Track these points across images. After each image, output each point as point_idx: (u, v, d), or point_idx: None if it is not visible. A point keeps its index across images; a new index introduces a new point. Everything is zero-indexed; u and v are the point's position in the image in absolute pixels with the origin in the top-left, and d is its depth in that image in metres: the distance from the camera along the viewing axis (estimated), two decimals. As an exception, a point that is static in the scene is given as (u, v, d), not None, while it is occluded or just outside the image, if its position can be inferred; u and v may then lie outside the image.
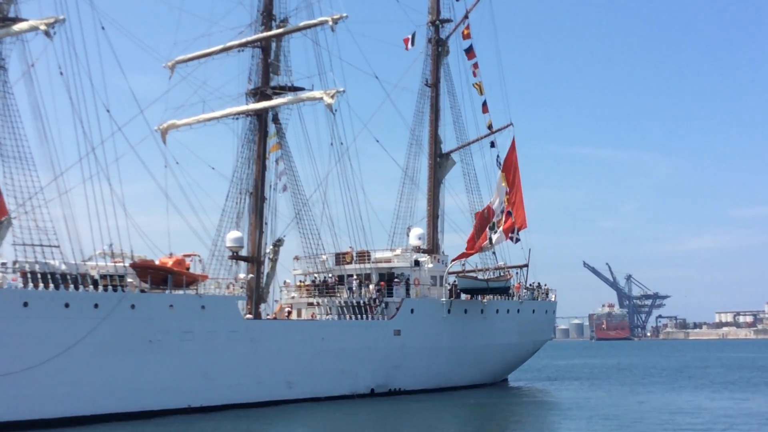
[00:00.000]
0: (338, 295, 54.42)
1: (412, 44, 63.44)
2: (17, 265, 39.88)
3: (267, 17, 54.04)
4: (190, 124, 53.19)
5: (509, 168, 62.38)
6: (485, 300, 61.18)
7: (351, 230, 55.55)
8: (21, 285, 39.24)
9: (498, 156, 63.63)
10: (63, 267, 40.50)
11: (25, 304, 38.38)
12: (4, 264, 40.12)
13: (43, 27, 40.24)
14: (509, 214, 61.00)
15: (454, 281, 60.83)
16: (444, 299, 58.49)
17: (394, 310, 55.37)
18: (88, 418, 39.62)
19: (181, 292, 45.12)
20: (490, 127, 64.73)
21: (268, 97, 53.58)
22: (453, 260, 61.16)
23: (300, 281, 58.03)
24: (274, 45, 54.20)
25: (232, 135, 54.19)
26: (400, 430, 40.25)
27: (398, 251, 59.86)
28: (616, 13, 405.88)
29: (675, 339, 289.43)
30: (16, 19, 41.40)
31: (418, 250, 60.28)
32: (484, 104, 64.95)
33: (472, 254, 60.92)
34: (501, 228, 60.73)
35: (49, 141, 41.57)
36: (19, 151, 41.13)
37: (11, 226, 40.16)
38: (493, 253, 63.40)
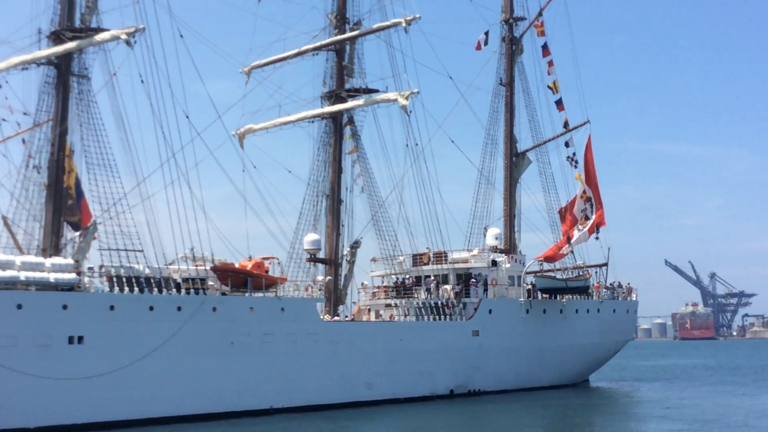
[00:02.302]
0: (416, 296, 54.40)
1: (486, 43, 63.17)
2: (103, 270, 40.90)
3: (340, 20, 54.42)
4: (267, 128, 53.89)
5: (586, 166, 61.67)
6: (564, 300, 60.49)
7: (428, 231, 55.65)
8: (107, 289, 40.18)
9: (574, 154, 62.95)
10: (147, 271, 41.36)
11: (112, 308, 39.33)
12: (90, 268, 41.17)
13: (124, 36, 41.17)
14: (589, 212, 60.28)
15: (532, 281, 60.31)
16: (522, 299, 58.02)
17: (472, 311, 55.12)
18: (172, 419, 40.36)
19: (260, 294, 45.66)
20: (566, 124, 63.99)
21: (343, 100, 53.93)
22: (537, 258, 60.74)
23: (381, 284, 58.18)
24: (348, 48, 54.55)
25: (308, 138, 54.80)
26: (480, 431, 39.98)
27: (475, 251, 59.57)
28: (693, 5, 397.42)
29: (762, 338, 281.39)
30: (99, 30, 42.46)
31: (495, 250, 59.90)
32: (560, 102, 64.22)
33: (555, 260, 60.48)
34: (583, 227, 60.10)
35: (132, 147, 42.61)
36: (104, 158, 42.20)
37: (97, 232, 41.20)
38: (572, 252, 62.69)
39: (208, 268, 44.30)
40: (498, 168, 64.54)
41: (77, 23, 42.80)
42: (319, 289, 50.08)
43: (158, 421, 39.81)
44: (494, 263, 57.97)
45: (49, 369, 36.83)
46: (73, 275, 38.66)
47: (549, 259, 60.62)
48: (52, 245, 41.48)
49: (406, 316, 53.50)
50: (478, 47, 63.10)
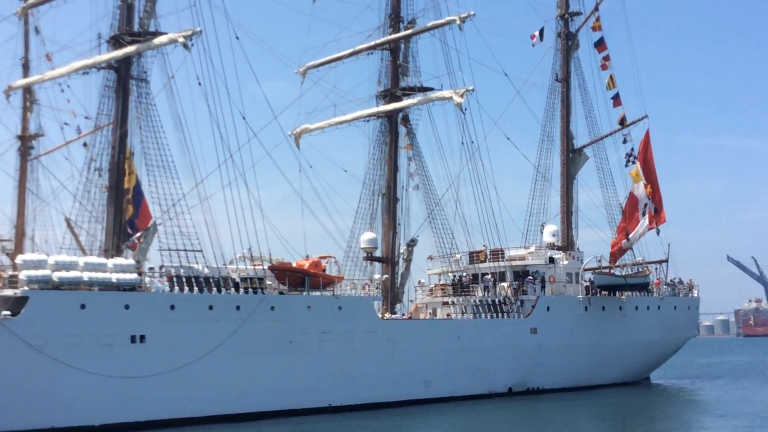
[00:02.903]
0: (473, 293, 54.27)
1: (541, 39, 62.68)
2: (163, 270, 41.52)
3: (395, 19, 54.48)
4: (323, 127, 54.18)
5: (645, 161, 60.96)
6: (624, 297, 59.80)
7: (484, 228, 55.52)
8: (167, 289, 40.79)
9: (632, 149, 62.23)
10: (206, 271, 41.87)
11: (172, 307, 39.90)
12: (151, 268, 41.83)
13: (181, 40, 41.72)
14: (649, 207, 59.64)
15: (591, 278, 59.74)
16: (580, 296, 57.52)
17: (529, 308, 54.80)
18: (232, 417, 40.83)
19: (318, 293, 45.93)
20: (623, 120, 63.25)
21: (398, 99, 54.00)
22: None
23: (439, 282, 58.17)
24: (402, 46, 54.60)
25: (364, 137, 55.00)
26: (540, 429, 39.74)
27: (532, 248, 59.22)
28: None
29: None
30: (157, 33, 43.09)
31: (552, 247, 59.45)
32: (617, 97, 63.48)
33: (616, 257, 60.05)
34: (642, 223, 59.57)
35: (190, 149, 43.17)
36: (163, 159, 42.84)
37: (157, 233, 41.85)
38: (631, 248, 62.00)
39: (266, 267, 44.69)
40: (554, 165, 64.07)
41: (136, 27, 43.49)
42: (376, 288, 50.26)
43: (218, 419, 40.29)
44: (551, 260, 57.57)
45: (113, 368, 37.50)
46: (134, 275, 39.31)
47: (611, 256, 60.22)
48: (114, 246, 42.24)
49: (463, 313, 53.39)
50: (534, 43, 62.69)
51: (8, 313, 35.58)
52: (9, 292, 36.31)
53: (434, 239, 54.58)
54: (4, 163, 43.93)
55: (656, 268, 62.89)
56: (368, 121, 54.51)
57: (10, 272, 37.36)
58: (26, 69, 44.66)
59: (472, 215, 55.28)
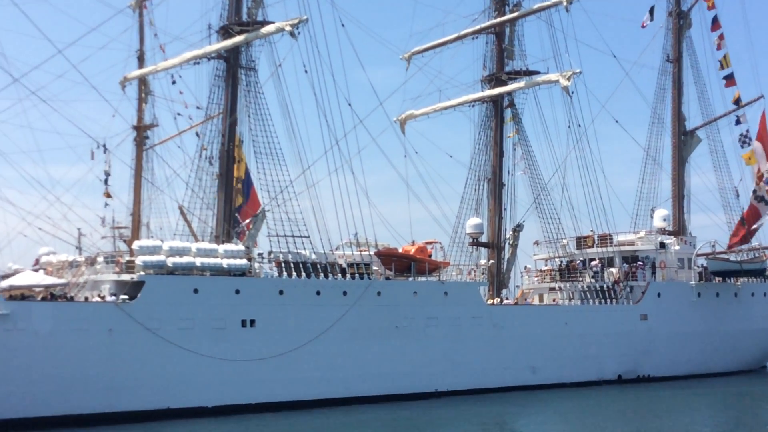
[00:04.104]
0: (580, 279, 53.53)
1: (651, 19, 61.10)
2: (272, 255, 42.31)
3: (500, 2, 54.00)
4: (428, 113, 54.26)
5: (762, 142, 58.94)
6: (739, 283, 58.01)
7: (592, 213, 54.79)
8: (276, 274, 41.56)
9: (747, 131, 60.21)
10: (313, 256, 42.49)
11: (281, 292, 40.65)
12: (260, 254, 42.68)
13: (288, 28, 42.29)
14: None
15: (704, 264, 58.13)
16: (693, 282, 56.04)
17: (639, 294, 53.72)
18: (339, 401, 41.37)
19: (423, 278, 46.07)
20: (737, 101, 61.16)
21: (504, 83, 53.60)
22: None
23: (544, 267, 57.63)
24: (507, 30, 54.11)
25: (469, 122, 54.94)
26: (650, 418, 38.99)
27: (642, 233, 57.97)
28: None
29: None
30: (264, 23, 43.81)
31: (663, 232, 58.09)
32: (731, 77, 61.36)
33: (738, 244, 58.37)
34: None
35: (297, 136, 43.83)
36: (271, 147, 43.63)
37: (266, 219, 42.66)
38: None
39: (372, 253, 45.05)
40: (665, 147, 62.48)
41: (244, 17, 44.32)
42: (482, 273, 50.13)
43: (326, 402, 40.88)
44: (662, 245, 56.25)
45: (224, 351, 38.48)
46: (244, 261, 40.17)
47: (736, 240, 58.65)
48: (225, 232, 43.27)
49: (570, 299, 52.74)
50: (643, 24, 61.18)
51: (126, 297, 36.90)
52: (126, 276, 37.61)
53: (540, 224, 54.24)
54: (121, 153, 45.43)
55: (774, 254, 60.75)
56: (473, 106, 54.35)
57: (128, 258, 38.68)
58: (141, 61, 45.92)
59: (579, 200, 54.68)
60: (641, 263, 54.85)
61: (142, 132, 45.82)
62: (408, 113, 54.13)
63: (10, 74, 37.52)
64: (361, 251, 44.76)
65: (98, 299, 37.35)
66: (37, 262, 43.05)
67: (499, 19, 53.40)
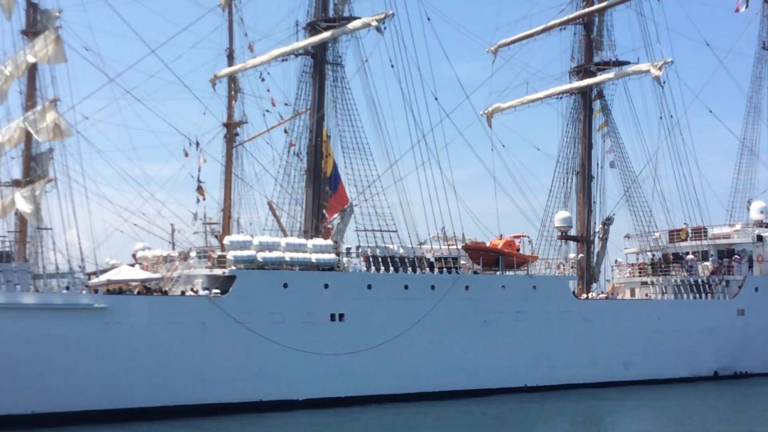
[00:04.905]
0: (674, 273, 52.39)
1: (746, 6, 59.34)
2: (360, 250, 42.54)
3: (589, -8, 53.12)
4: (514, 106, 53.83)
5: None
6: (841, 276, 55.99)
7: (685, 206, 53.78)
8: (364, 268, 41.77)
9: None
10: (401, 251, 42.57)
11: (369, 286, 40.84)
12: (348, 249, 42.95)
13: (374, 23, 42.39)
14: None
15: (806, 256, 56.25)
16: (794, 276, 54.34)
17: (735, 289, 52.35)
18: (428, 395, 41.34)
19: (511, 273, 45.71)
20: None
21: (592, 74, 52.79)
22: None
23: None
24: (596, 20, 53.23)
25: (556, 115, 54.32)
26: (752, 415, 37.88)
27: (738, 226, 56.49)
28: None
29: None
30: (351, 18, 43.97)
31: (760, 224, 56.45)
32: (833, 62, 59.24)
33: None
34: None
35: (384, 131, 43.97)
36: (358, 142, 43.86)
37: (353, 214, 42.92)
38: None
39: (459, 247, 44.91)
40: (762, 137, 60.85)
41: (331, 13, 44.59)
42: (572, 267, 49.52)
43: (414, 397, 40.92)
44: (760, 238, 54.70)
45: (314, 344, 38.84)
46: (332, 255, 40.48)
47: None
48: (313, 227, 43.67)
49: (663, 294, 51.68)
50: (737, 10, 59.46)
51: (218, 291, 37.59)
52: (218, 271, 38.32)
53: (631, 217, 53.40)
54: (212, 150, 46.30)
55: None
56: (561, 98, 53.69)
57: (219, 253, 39.39)
58: (230, 59, 46.70)
59: (672, 192, 53.64)
60: (737, 257, 53.46)
61: (232, 129, 46.62)
62: (495, 106, 53.79)
63: (105, 74, 38.52)
64: (448, 245, 44.66)
65: (191, 293, 38.13)
66: (133, 257, 44.19)
67: (587, 9, 52.55)
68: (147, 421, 34.15)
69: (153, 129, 44.62)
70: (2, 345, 32.15)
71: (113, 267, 40.42)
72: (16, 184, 37.50)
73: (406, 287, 41.62)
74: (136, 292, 37.59)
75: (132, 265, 41.40)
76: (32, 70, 37.77)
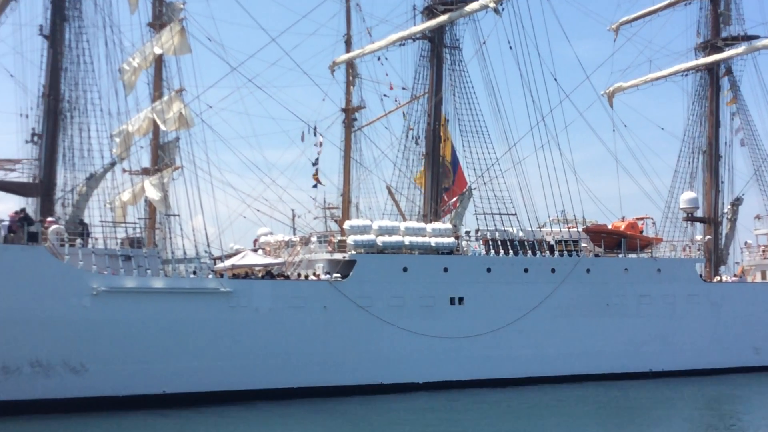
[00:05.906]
0: (808, 255, 50.33)
1: None
2: (479, 233, 42.43)
3: (715, -36, 51.26)
4: (637, 85, 52.62)
5: None
6: None
7: (821, 185, 51.24)
8: (483, 252, 41.62)
9: None
10: (521, 234, 42.28)
11: (488, 270, 40.70)
12: (467, 232, 42.90)
13: (492, 5, 42.03)
14: None
15: None
16: None
17: None
18: (548, 379, 40.96)
19: (635, 255, 44.79)
20: None
21: (720, 50, 51.00)
22: None
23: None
24: (728, -7, 51.35)
25: (681, 93, 52.88)
26: None
27: None
28: None
29: None
30: (468, 1, 43.66)
31: None
32: None
33: None
34: None
35: (502, 113, 43.70)
36: (476, 125, 43.76)
37: (472, 197, 42.82)
38: None
39: (580, 229, 44.26)
40: None
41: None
42: (698, 249, 48.17)
43: (534, 380, 40.65)
44: None
45: (434, 328, 39.01)
46: (452, 239, 40.50)
47: None
48: (432, 211, 43.77)
49: (797, 277, 49.70)
50: None
51: (338, 275, 38.15)
52: (339, 255, 38.87)
53: (762, 197, 51.77)
54: (331, 135, 46.94)
55: None
56: (686, 75, 52.13)
57: (339, 237, 39.93)
58: (348, 45, 47.13)
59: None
60: None
61: (350, 114, 47.10)
62: (616, 86, 52.67)
63: (228, 63, 39.48)
64: (569, 228, 44.08)
65: (313, 277, 38.81)
66: (255, 242, 45.25)
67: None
68: (270, 402, 34.96)
69: (273, 116, 45.57)
70: (134, 327, 33.44)
71: (237, 252, 41.49)
72: (145, 172, 38.95)
73: (525, 270, 41.32)
74: (260, 276, 38.49)
75: (255, 251, 42.40)
76: (159, 61, 39.08)
